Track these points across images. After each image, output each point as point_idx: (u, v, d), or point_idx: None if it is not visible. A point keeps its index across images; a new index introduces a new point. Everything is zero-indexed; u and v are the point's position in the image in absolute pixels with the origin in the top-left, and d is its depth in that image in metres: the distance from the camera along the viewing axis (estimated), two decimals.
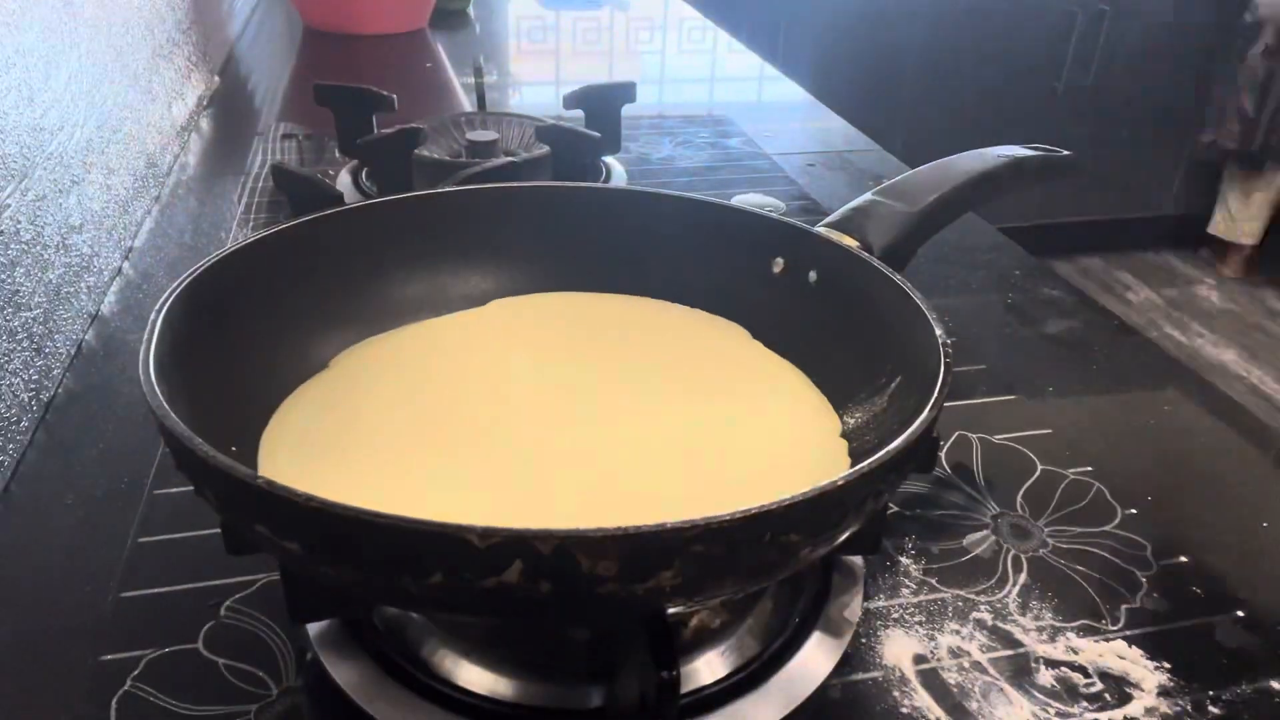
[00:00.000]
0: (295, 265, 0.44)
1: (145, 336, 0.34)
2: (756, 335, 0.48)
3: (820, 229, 0.47)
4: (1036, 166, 0.52)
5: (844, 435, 0.42)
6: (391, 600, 0.34)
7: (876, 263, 0.43)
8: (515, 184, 0.51)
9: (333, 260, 0.46)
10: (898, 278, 0.42)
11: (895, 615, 0.42)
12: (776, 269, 0.48)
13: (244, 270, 0.42)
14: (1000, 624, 0.41)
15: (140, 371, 0.32)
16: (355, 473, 0.38)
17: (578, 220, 0.50)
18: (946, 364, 0.35)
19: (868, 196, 0.49)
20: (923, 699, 0.38)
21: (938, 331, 0.37)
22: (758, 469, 0.40)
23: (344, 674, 0.37)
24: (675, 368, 0.46)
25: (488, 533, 0.24)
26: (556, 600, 0.26)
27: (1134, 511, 0.48)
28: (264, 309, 0.43)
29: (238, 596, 0.41)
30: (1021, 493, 0.49)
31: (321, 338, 0.45)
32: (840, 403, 0.44)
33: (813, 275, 0.46)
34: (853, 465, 0.37)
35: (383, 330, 0.47)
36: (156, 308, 0.36)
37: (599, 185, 0.52)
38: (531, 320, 0.49)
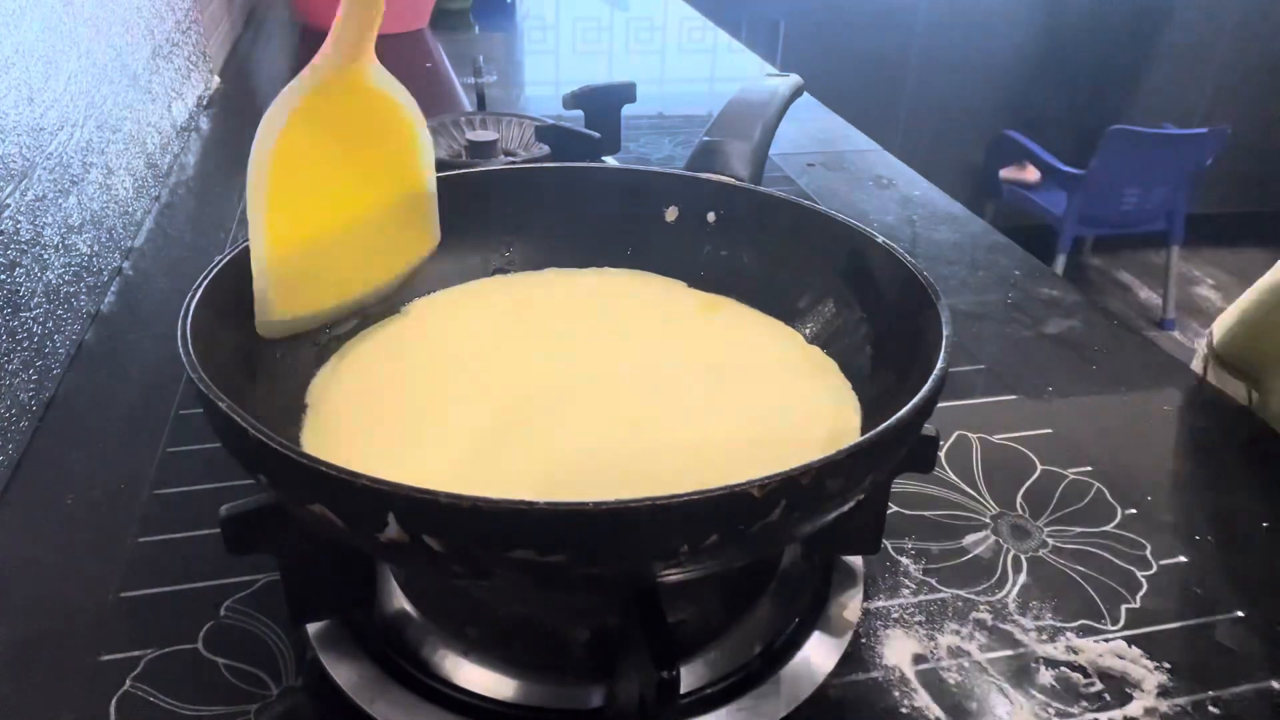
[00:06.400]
0: None
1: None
2: (690, 284, 0.50)
3: (703, 175, 0.50)
4: (797, 87, 0.61)
5: (811, 343, 0.46)
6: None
7: (773, 191, 0.48)
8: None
9: None
10: (796, 198, 0.47)
11: (895, 615, 0.42)
12: (671, 217, 0.50)
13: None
14: (1000, 624, 0.41)
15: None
16: (391, 449, 0.38)
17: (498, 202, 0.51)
18: (929, 285, 0.39)
19: (705, 139, 0.52)
20: (923, 699, 0.38)
21: (858, 226, 0.42)
22: (772, 403, 0.42)
23: (344, 674, 0.37)
24: (643, 330, 0.47)
25: (764, 483, 0.27)
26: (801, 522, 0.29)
27: (1134, 511, 0.48)
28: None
29: (238, 596, 0.41)
30: (1021, 493, 0.49)
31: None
32: (789, 319, 0.47)
33: (711, 216, 0.49)
34: (839, 365, 0.44)
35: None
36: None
37: (503, 167, 0.53)
38: (477, 304, 0.49)
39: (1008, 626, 0.41)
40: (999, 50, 2.66)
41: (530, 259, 0.51)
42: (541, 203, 0.51)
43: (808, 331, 0.46)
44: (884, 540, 0.45)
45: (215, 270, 0.38)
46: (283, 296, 0.39)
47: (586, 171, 0.52)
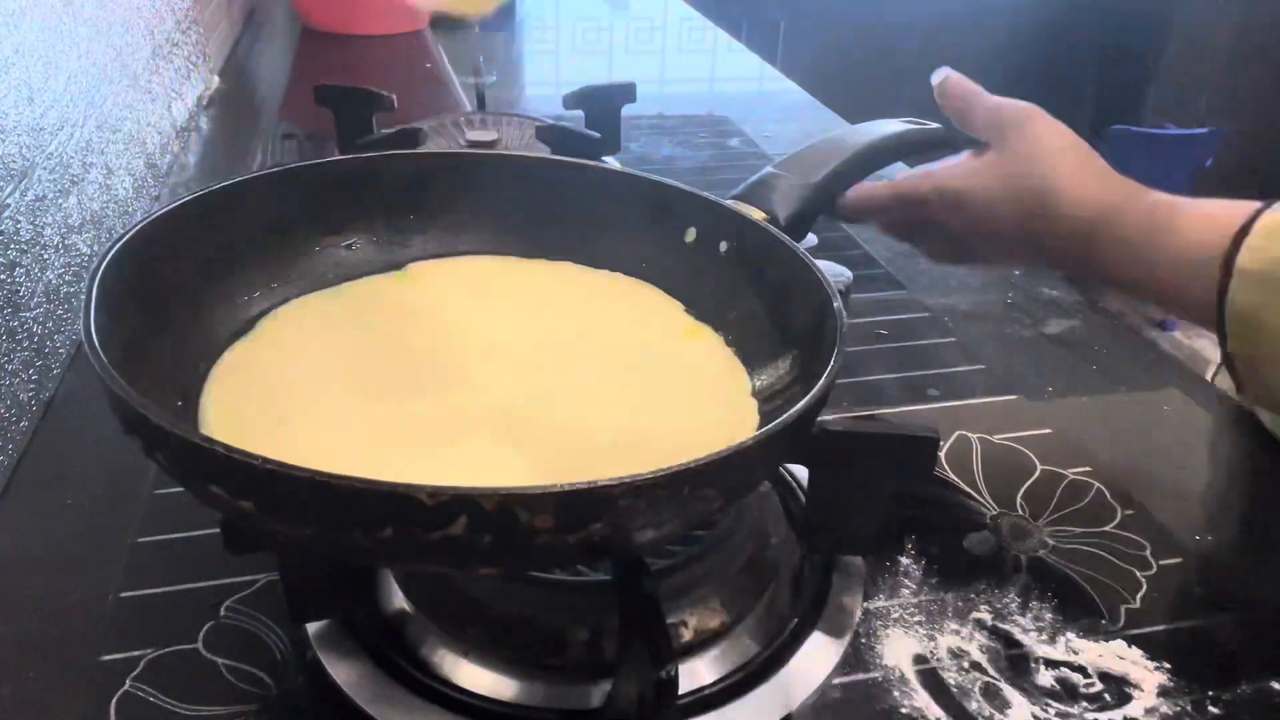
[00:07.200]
0: (225, 226, 0.44)
1: (84, 301, 0.34)
2: (677, 298, 0.50)
3: (729, 201, 0.49)
4: (915, 140, 0.57)
5: (753, 395, 0.43)
6: (342, 554, 0.35)
7: (781, 235, 0.46)
8: (431, 152, 0.51)
9: (265, 220, 0.46)
10: (800, 250, 0.44)
11: (895, 615, 0.42)
12: (689, 239, 0.49)
13: (174, 233, 0.41)
14: (1000, 624, 0.41)
15: (84, 338, 0.32)
16: (295, 431, 0.38)
17: (510, 188, 0.51)
18: (840, 335, 0.37)
19: (769, 169, 0.51)
20: (923, 699, 0.38)
21: (835, 304, 0.39)
22: (676, 426, 0.41)
23: (343, 674, 0.37)
24: (597, 329, 0.47)
25: (436, 491, 0.26)
26: (496, 550, 0.28)
27: (1134, 511, 0.48)
28: (197, 270, 0.42)
29: (238, 596, 0.41)
30: (1021, 493, 0.49)
31: (254, 296, 0.45)
32: (751, 364, 0.45)
33: (724, 245, 0.48)
34: (761, 425, 0.40)
35: (316, 289, 0.47)
36: (91, 271, 0.35)
37: (526, 155, 0.53)
38: (458, 282, 0.49)
39: (1008, 626, 0.41)
40: (999, 51, 2.66)
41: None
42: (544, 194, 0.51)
43: (758, 382, 0.45)
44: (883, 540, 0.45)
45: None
46: None
47: (610, 175, 0.52)
